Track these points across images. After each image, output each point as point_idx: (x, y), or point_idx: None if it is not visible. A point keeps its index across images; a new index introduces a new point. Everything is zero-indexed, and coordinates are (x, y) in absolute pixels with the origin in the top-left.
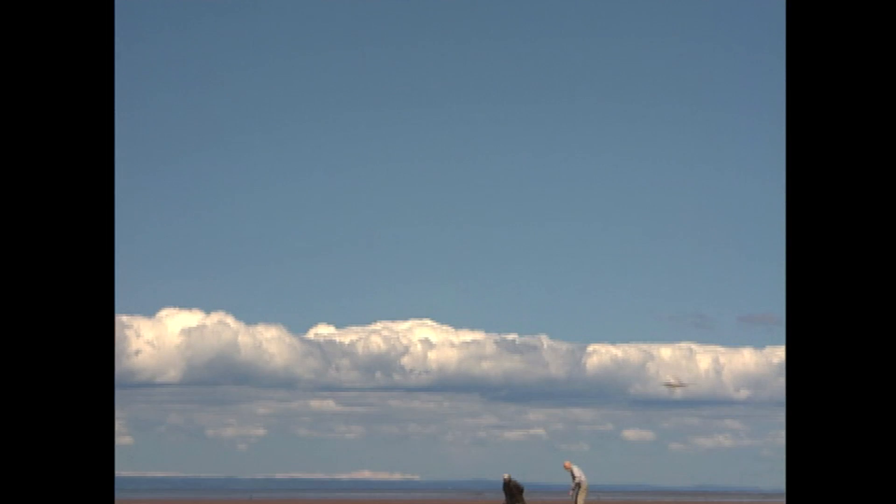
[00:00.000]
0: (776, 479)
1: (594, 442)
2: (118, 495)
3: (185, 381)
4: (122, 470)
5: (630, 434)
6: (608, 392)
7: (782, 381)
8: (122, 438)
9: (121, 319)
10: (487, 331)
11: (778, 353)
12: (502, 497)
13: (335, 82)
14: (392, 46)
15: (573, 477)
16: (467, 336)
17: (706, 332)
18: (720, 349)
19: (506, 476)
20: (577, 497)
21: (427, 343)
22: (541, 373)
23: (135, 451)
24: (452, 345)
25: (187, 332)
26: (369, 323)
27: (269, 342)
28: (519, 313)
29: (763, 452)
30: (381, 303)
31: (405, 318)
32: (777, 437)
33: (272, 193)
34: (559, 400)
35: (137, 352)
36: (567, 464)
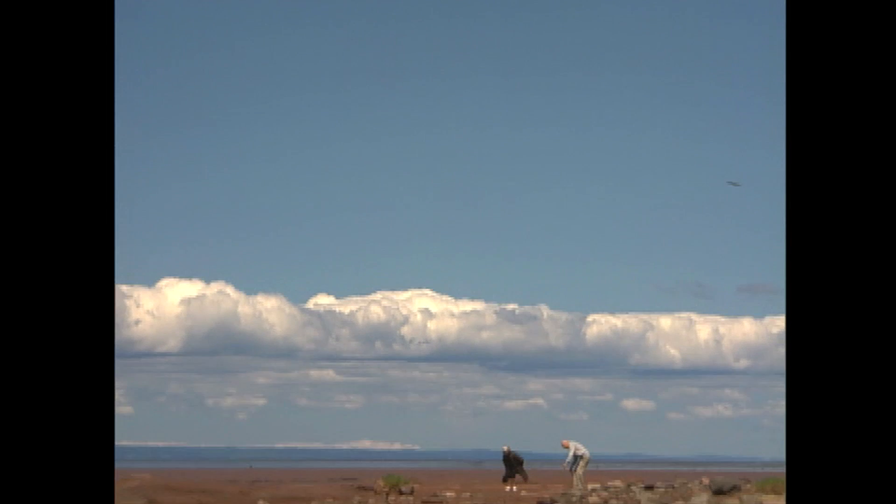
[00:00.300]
0: (776, 448)
1: (594, 412)
2: (118, 465)
3: (185, 351)
4: (122, 439)
5: (629, 404)
6: (608, 362)
7: (782, 350)
8: (123, 408)
9: (121, 289)
10: (487, 300)
11: (778, 323)
12: (502, 467)
13: (337, 54)
14: (396, 18)
15: (570, 453)
16: (467, 306)
17: (706, 302)
18: (720, 319)
19: (505, 448)
20: (577, 468)
21: (427, 313)
22: (541, 343)
23: (135, 420)
24: (452, 315)
25: (187, 301)
26: (369, 293)
27: (268, 312)
28: (519, 283)
29: (763, 422)
30: (380, 273)
31: (405, 287)
32: (777, 407)
33: (272, 164)
34: (559, 370)
35: (137, 321)
36: (565, 442)
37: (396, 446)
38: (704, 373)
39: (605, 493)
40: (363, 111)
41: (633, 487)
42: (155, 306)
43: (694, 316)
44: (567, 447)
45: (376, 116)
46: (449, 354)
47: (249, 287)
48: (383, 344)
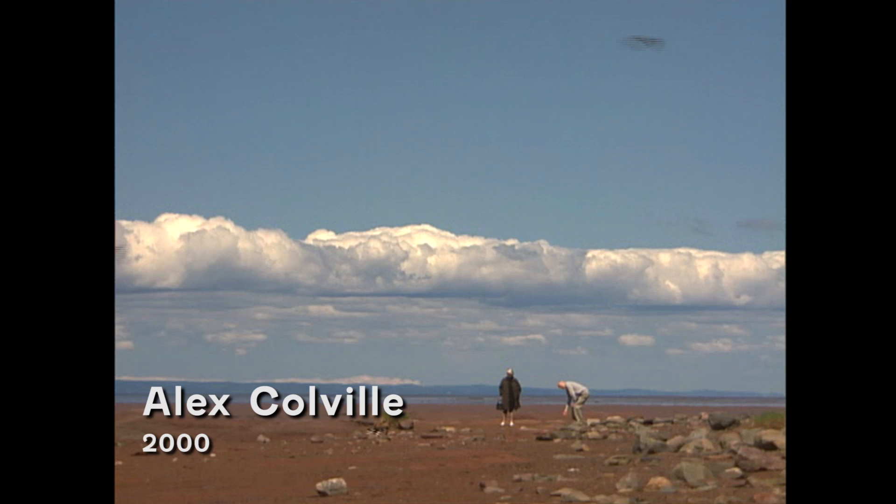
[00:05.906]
0: (775, 383)
1: (593, 347)
2: (118, 399)
3: (184, 287)
4: (121, 374)
5: (628, 339)
6: (607, 297)
7: (782, 286)
8: (122, 343)
9: (120, 224)
10: (487, 236)
11: (777, 259)
12: (499, 400)
13: None
14: None
15: (568, 393)
16: (467, 241)
17: (705, 238)
18: (720, 254)
19: (510, 370)
20: (574, 404)
21: (427, 248)
22: (540, 278)
23: (134, 355)
24: (452, 250)
25: (187, 237)
26: (368, 228)
27: (269, 248)
28: (519, 219)
29: (762, 357)
30: (379, 208)
31: (404, 223)
32: (776, 342)
33: (272, 99)
34: (558, 305)
35: (137, 257)
36: (561, 383)
37: (396, 382)
38: (704, 308)
39: (604, 428)
40: (364, 49)
41: (633, 422)
42: (155, 242)
43: (693, 251)
44: (564, 387)
45: (379, 54)
46: (448, 290)
47: (249, 222)
48: (383, 279)
